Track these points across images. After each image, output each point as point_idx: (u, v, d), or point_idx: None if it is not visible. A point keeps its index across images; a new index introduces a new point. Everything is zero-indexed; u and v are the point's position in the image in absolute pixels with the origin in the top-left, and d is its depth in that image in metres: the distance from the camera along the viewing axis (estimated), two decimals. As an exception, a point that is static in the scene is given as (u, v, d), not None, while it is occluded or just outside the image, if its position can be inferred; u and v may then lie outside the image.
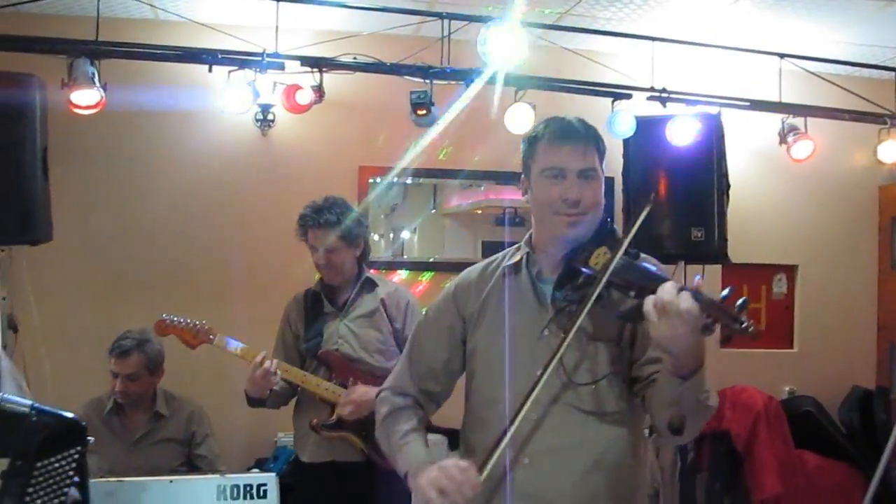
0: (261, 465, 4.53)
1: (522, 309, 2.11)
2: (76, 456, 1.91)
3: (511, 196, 5.33)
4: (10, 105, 3.94)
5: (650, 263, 1.98)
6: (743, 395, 5.21)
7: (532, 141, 2.13)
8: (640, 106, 4.80)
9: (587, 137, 2.08)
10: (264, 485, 3.12)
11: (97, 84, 3.90)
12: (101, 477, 3.13)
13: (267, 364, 3.23)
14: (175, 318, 3.45)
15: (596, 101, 4.74)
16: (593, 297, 1.91)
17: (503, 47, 4.01)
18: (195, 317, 3.51)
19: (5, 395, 1.90)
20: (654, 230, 4.39)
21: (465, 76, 4.36)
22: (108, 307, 4.73)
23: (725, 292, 1.68)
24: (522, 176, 2.16)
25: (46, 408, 1.97)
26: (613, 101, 4.72)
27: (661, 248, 4.34)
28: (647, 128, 4.65)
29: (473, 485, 1.89)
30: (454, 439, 2.56)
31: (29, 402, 1.91)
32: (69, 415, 2.00)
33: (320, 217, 3.34)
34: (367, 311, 3.43)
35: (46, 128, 4.09)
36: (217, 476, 3.20)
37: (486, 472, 1.93)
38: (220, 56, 4.16)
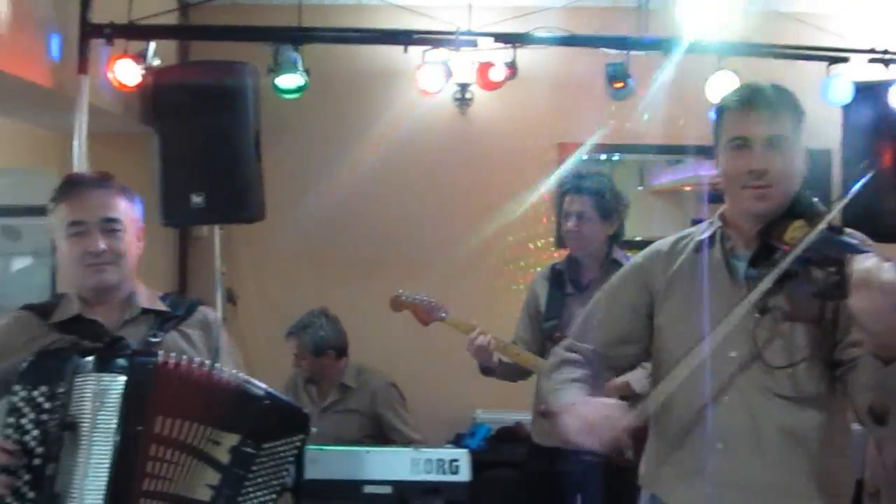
0: (458, 440, 4.60)
1: (714, 286, 2.00)
2: (298, 444, 1.98)
3: (721, 172, 5.07)
4: (226, 91, 4.22)
5: (854, 239, 1.82)
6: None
7: (720, 110, 2.02)
8: (860, 70, 4.40)
9: (777, 103, 1.94)
10: (456, 460, 3.18)
11: (300, 69, 4.06)
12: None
13: (480, 340, 3.21)
14: (410, 295, 3.45)
15: (808, 67, 4.39)
16: (780, 273, 1.79)
17: (705, 12, 3.81)
18: (392, 291, 3.57)
19: (249, 378, 2.00)
20: (873, 205, 4.02)
21: (663, 46, 4.18)
22: (316, 282, 4.97)
23: None
24: (715, 150, 2.06)
25: (279, 394, 2.06)
26: (829, 66, 4.35)
27: (880, 225, 3.96)
28: (868, 94, 4.28)
29: (618, 425, 1.85)
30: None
31: (264, 386, 2.00)
32: (297, 405, 2.10)
33: (580, 183, 3.25)
34: None
35: (259, 112, 4.35)
36: (411, 449, 3.30)
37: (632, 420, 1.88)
38: (414, 36, 4.22)
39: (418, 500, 3.40)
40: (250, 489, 1.91)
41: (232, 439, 1.91)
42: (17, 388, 1.90)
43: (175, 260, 5.03)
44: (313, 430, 2.07)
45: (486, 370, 3.33)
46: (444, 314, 3.38)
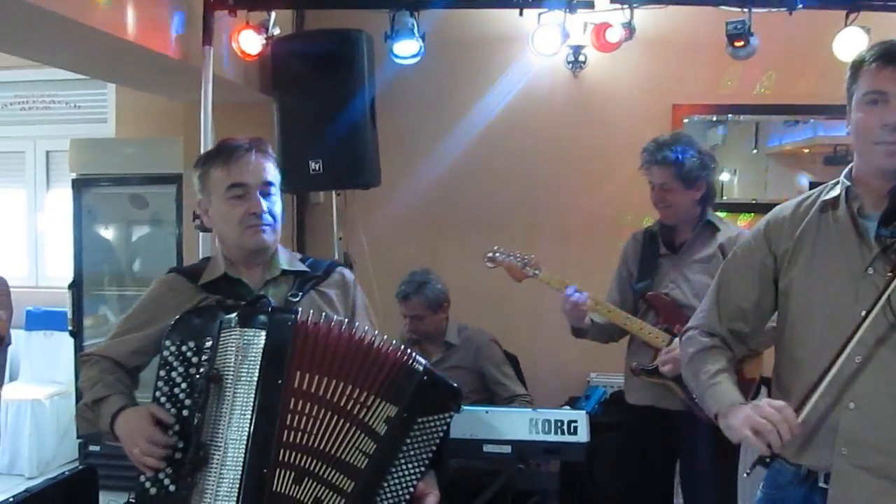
0: (573, 403, 4.62)
1: (842, 246, 1.97)
2: (449, 419, 2.03)
3: (842, 133, 4.88)
4: (342, 59, 4.30)
5: None
6: None
7: (855, 66, 1.97)
8: None
9: None
10: (575, 421, 3.19)
11: (416, 34, 4.10)
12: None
13: (576, 297, 3.23)
14: (504, 252, 3.49)
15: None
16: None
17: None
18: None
19: (409, 351, 2.06)
20: None
21: (787, 2, 4.02)
22: (431, 246, 5.07)
23: None
24: (847, 108, 2.00)
25: (437, 372, 2.13)
26: (966, 20, 4.13)
27: None
28: None
29: (792, 425, 1.82)
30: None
31: (424, 362, 2.07)
32: (454, 383, 2.14)
33: (658, 153, 3.23)
34: (704, 255, 3.26)
35: (374, 79, 4.41)
36: (530, 410, 3.33)
37: (803, 415, 1.84)
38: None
39: (537, 459, 3.46)
40: (402, 461, 1.97)
41: (390, 410, 1.96)
42: (167, 342, 2.01)
43: (293, 225, 5.16)
44: (464, 407, 2.10)
45: (578, 331, 3.35)
46: (537, 271, 3.41)
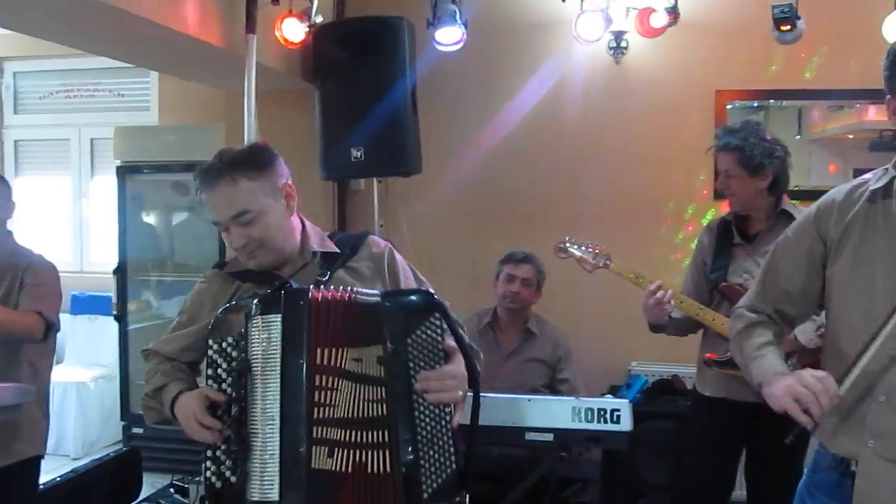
0: (614, 391, 4.61)
1: (888, 237, 1.93)
2: (437, 320, 1.99)
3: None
4: (384, 47, 4.30)
5: None
6: None
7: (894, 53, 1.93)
8: None
9: None
10: (618, 410, 3.19)
11: (459, 21, 4.08)
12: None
13: (660, 294, 3.16)
14: (574, 242, 3.42)
15: None
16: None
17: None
18: (547, 243, 3.57)
19: (357, 289, 2.01)
20: None
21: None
22: (472, 233, 5.07)
23: None
24: (888, 95, 1.97)
25: (393, 291, 2.10)
26: None
27: None
28: None
29: (832, 395, 1.81)
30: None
31: (377, 290, 2.03)
32: (416, 289, 2.11)
33: (726, 139, 3.18)
34: None
35: (415, 67, 4.41)
36: (572, 398, 3.33)
37: (844, 388, 1.84)
38: (573, -15, 4.17)
39: (579, 447, 3.46)
40: (418, 380, 1.95)
41: (376, 351, 1.94)
42: (210, 342, 2.04)
43: (333, 212, 5.19)
44: (446, 303, 2.04)
45: (657, 327, 3.27)
46: (608, 262, 3.35)
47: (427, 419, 1.94)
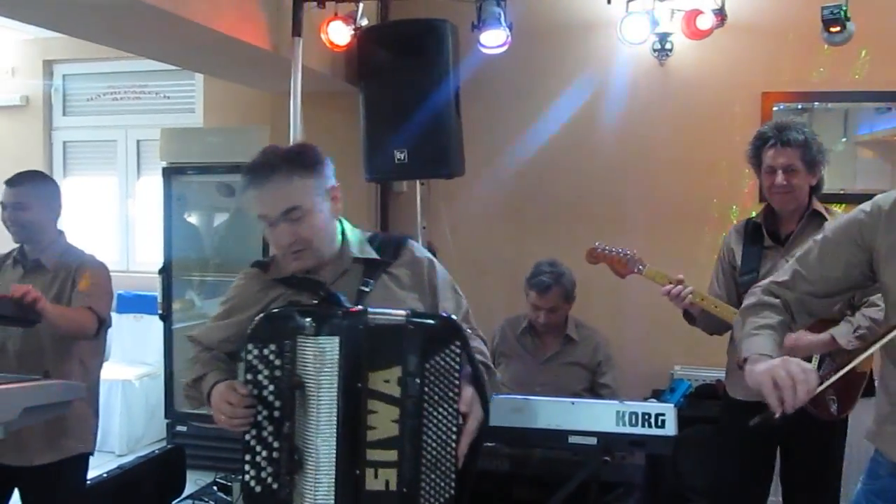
0: (657, 395, 4.57)
1: None
2: (457, 350, 2.02)
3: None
4: (428, 49, 4.32)
5: None
6: None
7: None
8: None
9: None
10: (662, 415, 3.15)
11: (503, 24, 4.08)
12: (508, 392, 3.39)
13: (676, 290, 3.16)
14: (607, 247, 3.41)
15: None
16: None
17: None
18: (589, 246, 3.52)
19: (382, 308, 2.05)
20: None
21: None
22: (514, 236, 5.06)
23: None
24: None
25: (420, 313, 2.11)
26: None
27: None
28: None
29: (810, 389, 1.78)
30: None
31: (403, 311, 2.04)
32: (441, 315, 2.12)
33: (783, 135, 3.09)
34: None
35: (458, 69, 4.41)
36: (616, 402, 3.29)
37: (824, 386, 1.82)
38: (619, -13, 4.14)
39: (622, 451, 3.43)
40: (429, 408, 1.99)
41: (397, 372, 1.98)
42: (249, 346, 2.06)
43: (376, 214, 5.21)
44: (467, 330, 2.09)
45: (689, 316, 3.28)
46: (641, 266, 3.32)
47: (433, 443, 2.00)
